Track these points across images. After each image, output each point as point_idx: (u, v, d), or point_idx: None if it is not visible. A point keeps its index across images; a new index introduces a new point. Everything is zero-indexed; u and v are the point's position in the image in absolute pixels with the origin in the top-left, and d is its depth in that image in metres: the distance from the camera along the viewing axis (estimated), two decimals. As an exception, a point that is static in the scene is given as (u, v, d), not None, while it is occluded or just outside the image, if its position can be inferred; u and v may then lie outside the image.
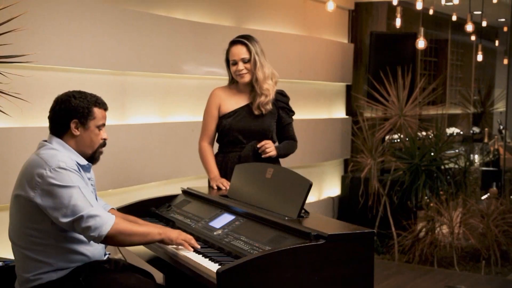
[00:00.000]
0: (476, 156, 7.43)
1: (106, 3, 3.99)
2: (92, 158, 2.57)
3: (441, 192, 5.48)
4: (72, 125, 2.49)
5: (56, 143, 2.50)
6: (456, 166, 5.79)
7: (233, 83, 3.49)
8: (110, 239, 2.36)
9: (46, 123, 3.61)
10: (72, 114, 2.49)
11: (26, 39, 3.30)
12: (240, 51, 3.34)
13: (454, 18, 8.04)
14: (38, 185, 2.34)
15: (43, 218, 2.37)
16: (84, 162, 2.52)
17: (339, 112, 6.62)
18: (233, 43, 3.39)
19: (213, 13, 4.89)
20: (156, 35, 4.31)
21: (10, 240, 2.50)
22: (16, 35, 2.92)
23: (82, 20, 3.79)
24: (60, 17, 3.65)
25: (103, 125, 2.57)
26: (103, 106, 2.58)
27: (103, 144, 2.59)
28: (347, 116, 6.62)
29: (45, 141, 2.53)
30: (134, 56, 4.16)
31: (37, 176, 2.35)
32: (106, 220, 2.34)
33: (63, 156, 2.43)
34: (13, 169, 3.38)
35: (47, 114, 3.60)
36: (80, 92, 2.55)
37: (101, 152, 2.60)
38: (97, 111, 2.53)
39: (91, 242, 2.48)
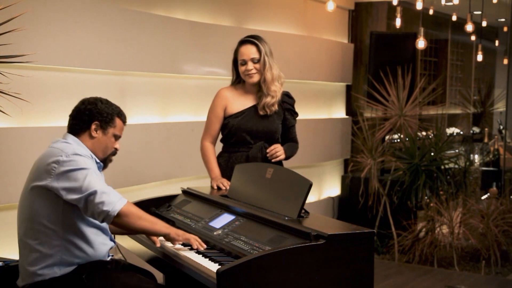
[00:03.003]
0: (476, 156, 7.42)
1: (106, 3, 3.99)
2: (102, 163, 2.65)
3: (441, 192, 5.48)
4: (93, 126, 2.58)
5: (72, 140, 2.58)
6: (456, 166, 5.79)
7: (239, 83, 3.48)
8: (121, 218, 2.39)
9: (46, 123, 3.63)
10: (96, 116, 2.58)
11: (26, 39, 3.30)
12: (250, 51, 3.33)
13: (454, 18, 8.04)
14: (54, 170, 2.41)
15: (54, 205, 2.42)
16: (97, 160, 2.61)
17: (339, 112, 6.62)
18: (243, 42, 3.37)
19: (213, 13, 4.89)
20: (156, 35, 4.31)
21: (18, 233, 2.53)
22: (16, 35, 2.92)
23: (82, 20, 3.79)
24: (60, 17, 3.65)
25: (120, 136, 2.66)
26: (124, 119, 2.69)
27: (114, 153, 2.68)
28: (347, 116, 6.62)
29: (60, 139, 2.60)
30: (134, 56, 4.16)
31: (53, 163, 2.42)
32: (119, 198, 2.42)
33: (77, 147, 2.52)
34: (13, 169, 3.39)
35: (47, 114, 3.62)
36: (107, 100, 2.66)
37: (111, 160, 2.70)
38: (118, 121, 2.64)
39: (97, 242, 2.50)
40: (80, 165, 2.42)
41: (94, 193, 2.37)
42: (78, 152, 2.46)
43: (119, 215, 2.38)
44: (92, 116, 2.58)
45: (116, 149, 2.67)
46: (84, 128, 2.58)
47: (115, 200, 2.39)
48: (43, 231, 2.44)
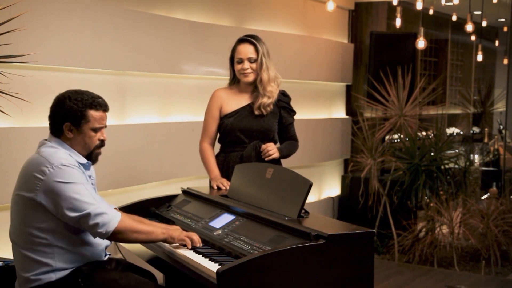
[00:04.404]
0: (476, 156, 7.42)
1: (106, 3, 3.99)
2: (89, 159, 2.56)
3: (441, 192, 5.48)
4: (65, 128, 2.48)
5: (55, 142, 2.50)
6: (456, 166, 5.79)
7: (234, 83, 3.48)
8: (116, 236, 2.38)
9: (46, 123, 3.63)
10: (64, 116, 2.46)
11: (26, 39, 3.30)
12: (247, 50, 3.34)
13: (454, 18, 8.04)
14: (40, 183, 2.35)
15: (43, 217, 2.38)
16: (83, 160, 2.52)
17: (339, 112, 6.62)
18: (241, 41, 3.38)
19: (213, 13, 4.90)
20: (156, 35, 4.31)
21: (10, 239, 2.51)
22: (16, 35, 2.92)
23: (82, 20, 3.79)
24: (60, 17, 3.65)
25: (102, 127, 2.53)
26: (101, 107, 2.51)
27: (101, 145, 2.56)
28: (347, 116, 6.62)
29: (45, 140, 2.54)
30: (134, 56, 4.16)
31: (39, 173, 2.35)
32: (113, 217, 2.37)
33: (63, 154, 2.43)
34: (13, 169, 3.38)
35: (47, 114, 3.62)
36: (77, 93, 2.50)
37: (99, 153, 2.58)
38: (93, 113, 2.48)
39: (92, 242, 2.49)
40: (67, 178, 2.35)
41: (87, 215, 2.33)
42: (64, 163, 2.38)
43: (113, 233, 2.37)
44: (61, 118, 2.46)
45: (102, 140, 2.54)
46: (59, 130, 2.49)
47: (108, 220, 2.35)
48: (34, 240, 2.40)
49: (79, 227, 2.39)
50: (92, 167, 2.63)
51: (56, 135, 2.52)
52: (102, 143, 2.56)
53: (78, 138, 2.49)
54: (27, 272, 2.42)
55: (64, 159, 2.39)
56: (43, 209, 2.37)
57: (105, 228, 2.34)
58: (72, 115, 2.45)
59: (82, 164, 2.50)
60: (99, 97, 2.53)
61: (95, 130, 2.50)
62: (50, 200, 2.34)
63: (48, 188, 2.34)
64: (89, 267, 2.47)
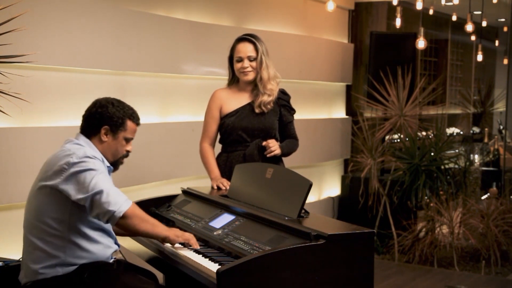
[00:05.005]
0: (476, 156, 7.42)
1: (106, 3, 3.99)
2: (113, 165, 2.65)
3: (441, 192, 5.48)
4: (102, 131, 2.57)
5: (84, 141, 2.57)
6: (456, 166, 5.79)
7: (233, 83, 3.49)
8: (125, 220, 2.41)
9: (46, 123, 3.64)
10: (106, 120, 2.56)
11: (26, 39, 3.30)
12: (247, 49, 3.35)
13: (454, 18, 8.04)
14: (64, 172, 2.41)
15: (61, 207, 2.42)
16: (107, 163, 2.60)
17: (339, 112, 6.62)
18: (240, 40, 3.39)
19: (213, 13, 4.90)
20: (156, 35, 4.31)
21: (24, 228, 2.53)
22: (16, 35, 2.92)
23: (82, 20, 3.79)
24: (60, 17, 3.65)
25: (132, 139, 2.65)
26: (137, 120, 2.67)
27: (126, 156, 2.67)
28: (347, 116, 6.62)
29: (72, 138, 2.60)
30: (134, 56, 4.16)
31: (64, 164, 2.42)
32: (125, 199, 2.43)
33: (89, 149, 2.51)
34: (13, 169, 3.39)
35: (47, 114, 3.62)
36: (119, 102, 2.64)
37: (122, 163, 2.69)
38: (130, 124, 2.62)
39: (102, 242, 2.50)
40: (89, 166, 2.42)
41: (100, 192, 2.38)
42: (89, 155, 2.46)
43: (124, 216, 2.40)
44: (102, 120, 2.56)
45: (128, 151, 2.66)
46: (94, 131, 2.57)
47: (121, 201, 2.40)
48: (48, 231, 2.44)
49: (90, 211, 2.41)
50: (110, 177, 2.67)
51: (88, 135, 2.58)
52: (127, 154, 2.67)
53: (111, 144, 2.59)
54: (37, 264, 2.45)
55: (89, 152, 2.47)
56: (63, 198, 2.41)
57: (117, 207, 2.38)
58: (114, 120, 2.57)
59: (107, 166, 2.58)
60: (135, 111, 2.68)
61: (127, 140, 2.63)
62: (70, 185, 2.39)
63: (70, 175, 2.40)
64: (94, 265, 2.49)
